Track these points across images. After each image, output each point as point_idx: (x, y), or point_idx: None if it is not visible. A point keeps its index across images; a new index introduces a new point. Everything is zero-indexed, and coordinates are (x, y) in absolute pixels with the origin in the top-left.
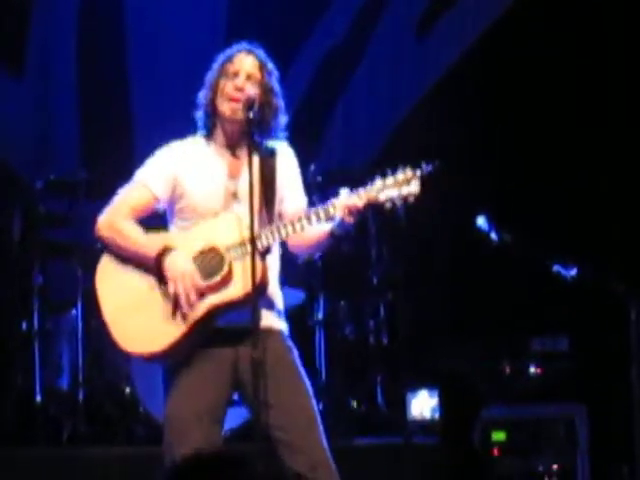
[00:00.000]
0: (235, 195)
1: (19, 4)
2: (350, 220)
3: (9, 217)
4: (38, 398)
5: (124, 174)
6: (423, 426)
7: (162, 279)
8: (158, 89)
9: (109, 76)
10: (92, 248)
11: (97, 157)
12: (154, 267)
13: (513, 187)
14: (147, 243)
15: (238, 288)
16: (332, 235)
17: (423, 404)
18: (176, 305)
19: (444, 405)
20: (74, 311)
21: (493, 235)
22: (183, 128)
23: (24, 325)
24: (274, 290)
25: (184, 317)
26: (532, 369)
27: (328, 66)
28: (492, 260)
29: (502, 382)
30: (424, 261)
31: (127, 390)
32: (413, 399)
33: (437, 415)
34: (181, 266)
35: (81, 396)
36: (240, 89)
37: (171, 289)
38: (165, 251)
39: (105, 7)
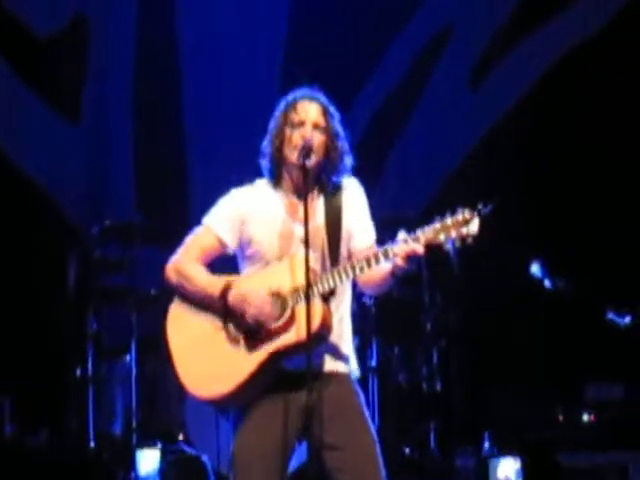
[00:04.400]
0: (302, 239)
1: (76, 51)
2: (408, 265)
3: (64, 263)
4: (92, 444)
5: (179, 219)
6: None
7: (227, 317)
8: (213, 134)
9: (164, 122)
10: (146, 294)
11: (152, 202)
12: (220, 305)
13: (566, 234)
14: (211, 283)
15: (299, 332)
16: (393, 275)
17: (508, 469)
18: (246, 336)
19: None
20: (128, 357)
21: (547, 282)
22: (238, 172)
23: (78, 371)
24: (341, 333)
25: (248, 359)
26: (585, 417)
27: (383, 113)
28: (546, 307)
29: (556, 430)
30: (477, 307)
31: (180, 436)
32: (498, 464)
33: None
34: (246, 292)
35: (135, 441)
36: (307, 140)
37: (247, 314)
38: (228, 286)
39: (161, 55)
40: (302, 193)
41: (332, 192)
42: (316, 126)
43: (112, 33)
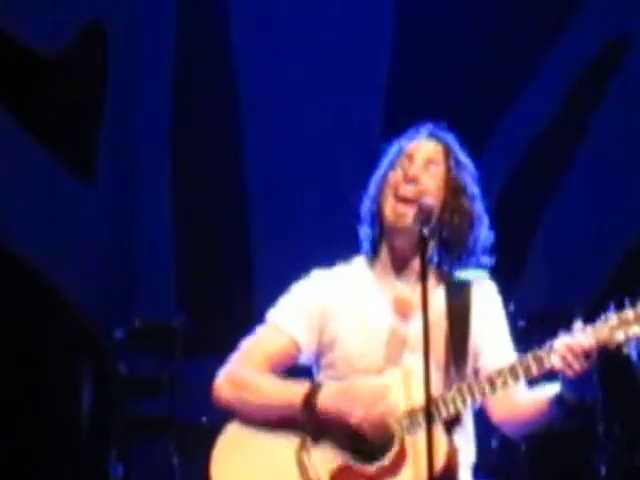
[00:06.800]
0: (405, 342)
1: (87, 73)
2: (575, 371)
3: (76, 382)
4: None
5: (239, 319)
6: None
7: (314, 436)
8: (286, 204)
9: (217, 175)
10: (194, 424)
11: (199, 296)
12: (304, 417)
13: None
14: (289, 388)
15: (410, 476)
16: (561, 402)
17: None
18: (332, 475)
19: None
20: None
21: None
22: (320, 254)
23: None
24: (467, 477)
25: None
26: None
27: (524, 168)
28: None
29: None
30: None
31: None
32: None
33: None
34: (346, 387)
35: None
36: (412, 179)
37: (354, 418)
38: (316, 389)
39: (211, 78)
40: (407, 273)
41: (456, 284)
42: (430, 163)
43: (140, 45)
